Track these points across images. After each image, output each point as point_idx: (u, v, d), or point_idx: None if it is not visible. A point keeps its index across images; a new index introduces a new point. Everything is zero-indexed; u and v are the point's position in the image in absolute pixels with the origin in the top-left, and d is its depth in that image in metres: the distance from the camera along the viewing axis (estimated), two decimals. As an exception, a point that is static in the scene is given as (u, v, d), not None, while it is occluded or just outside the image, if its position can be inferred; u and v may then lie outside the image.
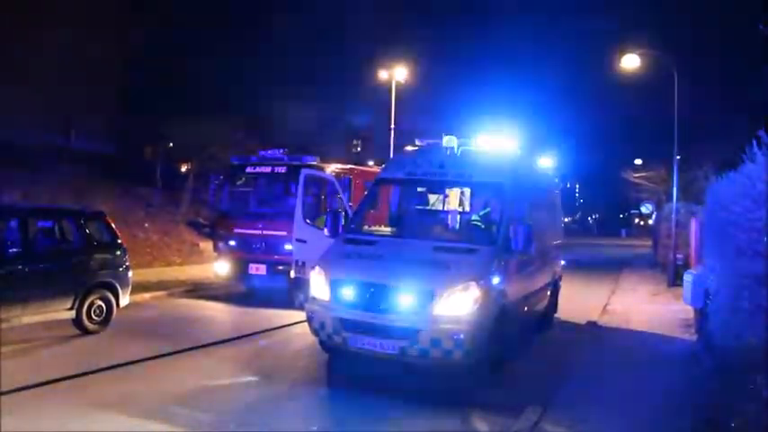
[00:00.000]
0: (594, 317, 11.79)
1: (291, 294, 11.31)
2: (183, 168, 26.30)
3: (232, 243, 12.47)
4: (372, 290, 6.83)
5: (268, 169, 12.54)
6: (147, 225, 19.01)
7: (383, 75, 25.90)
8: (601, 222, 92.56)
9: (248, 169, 12.86)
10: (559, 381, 7.27)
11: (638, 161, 39.20)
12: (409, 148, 9.10)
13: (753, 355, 4.84)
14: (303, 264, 10.73)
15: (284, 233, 11.49)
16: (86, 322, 8.68)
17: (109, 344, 8.45)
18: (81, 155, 21.73)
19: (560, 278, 11.41)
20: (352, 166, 14.45)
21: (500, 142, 8.81)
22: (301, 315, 8.12)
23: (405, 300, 6.67)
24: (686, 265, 13.88)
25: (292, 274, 11.05)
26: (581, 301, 13.66)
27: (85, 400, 6.07)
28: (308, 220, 11.14)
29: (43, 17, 19.25)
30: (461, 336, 6.43)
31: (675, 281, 15.85)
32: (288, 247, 11.20)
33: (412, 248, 7.43)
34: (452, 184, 8.86)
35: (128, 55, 22.72)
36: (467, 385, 6.87)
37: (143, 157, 27.85)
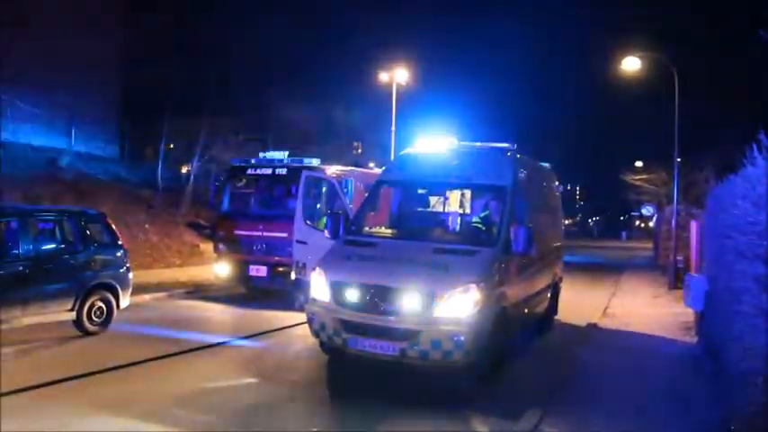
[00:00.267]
0: (595, 319, 11.79)
1: (292, 296, 11.32)
2: (184, 170, 26.31)
3: (232, 244, 12.47)
4: (373, 291, 6.84)
5: (269, 171, 12.55)
6: (147, 226, 19.00)
7: (384, 77, 25.92)
8: (601, 225, 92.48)
9: (249, 171, 12.88)
10: (559, 383, 7.28)
11: (638, 163, 39.24)
12: (410, 150, 9.10)
13: (753, 359, 4.84)
14: (303, 265, 10.74)
15: (285, 235, 11.50)
16: (87, 323, 8.68)
17: (109, 345, 8.45)
18: (82, 156, 21.74)
19: (561, 280, 11.40)
20: (353, 168, 14.45)
21: (500, 144, 8.83)
22: (302, 316, 8.13)
23: (405, 301, 6.67)
24: (687, 268, 13.88)
25: (293, 275, 11.06)
26: (581, 303, 13.65)
27: (86, 402, 6.08)
28: (308, 222, 11.15)
29: (44, 18, 19.26)
30: (461, 337, 6.44)
31: (676, 283, 15.85)
32: (288, 248, 11.21)
33: (412, 250, 7.43)
34: (453, 186, 8.88)
35: (128, 56, 22.76)
36: (466, 387, 6.88)
37: (144, 159, 27.89)
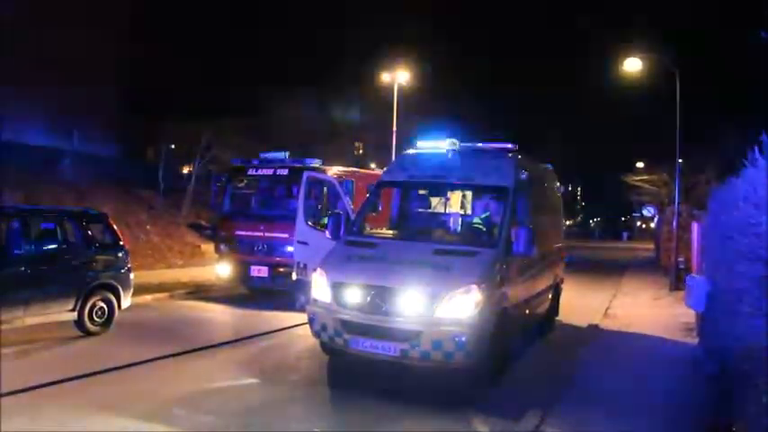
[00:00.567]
0: (596, 320, 11.79)
1: (293, 296, 11.32)
2: (185, 170, 26.35)
3: (234, 245, 12.48)
4: (374, 292, 6.84)
5: (270, 171, 12.56)
6: (148, 227, 19.05)
7: (386, 77, 25.93)
8: (602, 225, 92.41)
9: (250, 171, 12.89)
10: (560, 384, 7.27)
11: (639, 164, 39.22)
12: (411, 150, 9.10)
13: (754, 360, 4.83)
14: (305, 266, 10.74)
15: (286, 235, 11.51)
16: (88, 324, 8.69)
17: (110, 345, 8.46)
18: (83, 157, 21.78)
19: (562, 281, 11.40)
20: (354, 169, 14.47)
21: (501, 145, 8.83)
22: (303, 317, 8.13)
23: (406, 302, 6.67)
24: (688, 269, 13.86)
25: (294, 276, 11.06)
26: (582, 304, 13.65)
27: (87, 402, 6.08)
28: (309, 223, 11.15)
29: (45, 18, 19.30)
30: (463, 338, 6.44)
31: (677, 284, 15.84)
32: (289, 248, 11.22)
33: (413, 251, 7.43)
34: (454, 187, 8.88)
35: (130, 57, 22.80)
36: (467, 388, 6.88)
37: (145, 160, 27.93)
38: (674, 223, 17.43)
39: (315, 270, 7.60)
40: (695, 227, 11.54)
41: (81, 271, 8.73)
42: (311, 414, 6.33)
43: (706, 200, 9.81)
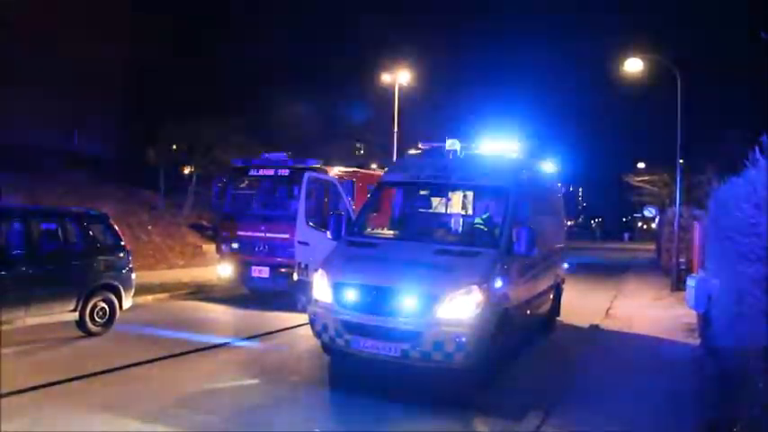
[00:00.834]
0: (597, 320, 11.78)
1: (294, 297, 11.33)
2: (186, 171, 26.33)
3: (235, 245, 12.48)
4: (375, 292, 6.85)
5: (271, 172, 12.55)
6: (150, 227, 19.06)
7: (386, 78, 25.93)
8: (603, 226, 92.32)
9: (251, 172, 12.88)
10: (561, 384, 7.27)
11: (640, 165, 39.21)
12: (412, 151, 9.11)
13: (755, 360, 4.84)
14: (306, 266, 10.75)
15: (287, 236, 11.51)
16: (89, 324, 8.70)
17: (112, 346, 8.46)
18: (84, 157, 21.79)
19: (563, 281, 11.40)
20: (355, 169, 14.46)
21: (502, 145, 8.83)
22: (304, 317, 8.14)
23: (407, 302, 6.67)
24: (689, 270, 13.86)
25: (295, 276, 11.07)
26: (584, 304, 13.64)
27: (88, 402, 6.09)
28: (310, 223, 11.15)
29: (46, 19, 19.33)
30: (463, 339, 6.44)
31: (678, 285, 15.83)
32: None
33: (414, 251, 7.44)
34: (455, 188, 8.88)
35: (131, 57, 22.81)
36: (468, 388, 6.88)
37: (146, 160, 27.91)
38: (676, 224, 17.42)
39: (316, 270, 7.62)
40: (696, 227, 11.54)
41: (82, 271, 8.74)
42: (312, 414, 6.33)
43: (707, 200, 9.80)
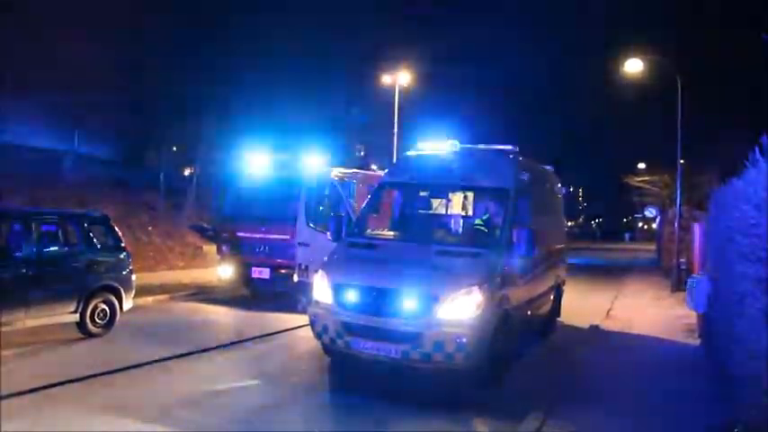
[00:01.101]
0: (598, 321, 11.78)
1: (294, 298, 11.33)
2: (187, 172, 26.36)
3: (235, 247, 12.48)
4: (375, 293, 6.85)
5: (272, 173, 12.55)
6: (150, 229, 19.05)
7: (387, 79, 25.92)
8: (603, 227, 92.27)
9: (252, 173, 12.87)
10: (561, 385, 7.27)
11: (641, 165, 39.17)
12: (412, 152, 9.10)
13: (756, 360, 4.84)
14: (306, 267, 10.75)
15: (287, 237, 11.51)
16: (90, 325, 8.71)
17: (112, 347, 8.47)
18: (84, 158, 21.80)
19: (563, 282, 11.39)
20: (356, 170, 14.45)
21: (502, 146, 8.84)
22: (304, 318, 8.14)
23: (407, 303, 6.68)
24: (690, 270, 13.86)
25: (295, 277, 11.06)
26: (584, 305, 13.64)
27: (88, 404, 6.09)
28: (311, 224, 11.14)
29: (46, 20, 19.32)
30: (464, 339, 6.44)
31: (679, 285, 15.83)
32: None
33: (415, 252, 7.44)
34: (455, 188, 8.88)
35: (131, 59, 22.80)
36: (468, 389, 6.88)
37: (146, 162, 27.93)
38: (676, 224, 17.43)
39: (316, 271, 7.61)
40: (696, 228, 11.54)
41: (83, 273, 8.74)
42: (312, 415, 6.34)
43: (708, 201, 9.80)
